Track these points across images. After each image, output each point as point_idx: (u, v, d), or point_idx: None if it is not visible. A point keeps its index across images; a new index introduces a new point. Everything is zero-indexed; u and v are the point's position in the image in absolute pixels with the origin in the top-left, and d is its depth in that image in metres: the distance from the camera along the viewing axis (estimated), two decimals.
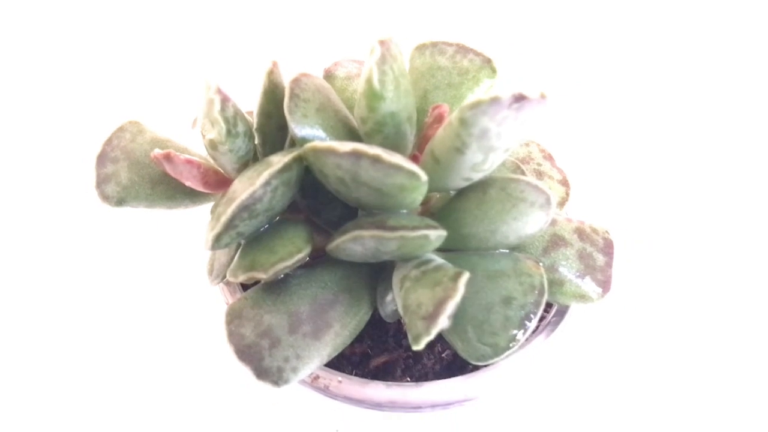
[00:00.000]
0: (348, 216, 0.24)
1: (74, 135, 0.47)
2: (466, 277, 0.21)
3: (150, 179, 0.25)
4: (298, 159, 0.22)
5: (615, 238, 0.26)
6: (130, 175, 0.25)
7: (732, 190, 0.49)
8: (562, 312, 0.26)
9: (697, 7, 0.62)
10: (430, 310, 0.20)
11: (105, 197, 0.25)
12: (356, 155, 0.20)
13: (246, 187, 0.21)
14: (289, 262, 0.22)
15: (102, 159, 0.25)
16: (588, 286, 0.25)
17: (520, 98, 0.20)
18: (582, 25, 0.60)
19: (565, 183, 0.28)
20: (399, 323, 0.26)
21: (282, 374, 0.22)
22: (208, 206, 0.26)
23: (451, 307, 0.20)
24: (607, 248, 0.26)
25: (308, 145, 0.21)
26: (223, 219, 0.21)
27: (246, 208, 0.21)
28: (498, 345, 0.22)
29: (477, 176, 0.22)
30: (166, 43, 0.54)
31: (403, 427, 0.25)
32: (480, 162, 0.22)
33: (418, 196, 0.22)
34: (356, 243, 0.22)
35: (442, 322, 0.20)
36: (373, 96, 0.22)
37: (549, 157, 0.29)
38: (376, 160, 0.20)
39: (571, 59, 0.56)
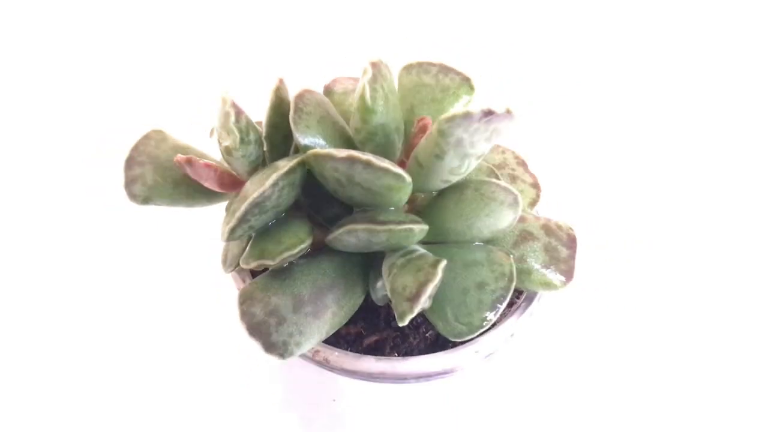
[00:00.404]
0: (343, 213, 0.28)
1: (101, 141, 0.52)
2: (443, 263, 0.24)
3: (172, 180, 0.29)
4: (302, 163, 0.26)
5: (578, 234, 0.30)
6: (154, 177, 0.29)
7: (707, 192, 0.52)
8: (530, 297, 0.30)
9: (658, 16, 0.66)
10: (414, 292, 0.24)
11: (132, 196, 0.29)
12: (351, 160, 0.24)
13: (257, 187, 0.25)
14: (294, 252, 0.26)
15: (130, 163, 0.29)
16: (552, 275, 0.29)
17: (489, 113, 0.23)
18: (552, 41, 0.64)
19: (536, 186, 0.32)
20: (388, 307, 0.30)
21: (287, 348, 0.26)
22: (221, 205, 0.30)
23: (431, 288, 0.24)
24: (571, 242, 0.30)
25: (310, 152, 0.25)
26: (237, 214, 0.25)
27: (257, 205, 0.25)
28: (473, 324, 0.26)
29: (455, 179, 0.26)
30: (181, 62, 0.58)
31: (391, 395, 0.29)
32: (457, 167, 0.25)
33: (404, 195, 0.26)
34: (351, 235, 0.25)
35: (423, 302, 0.24)
36: (365, 110, 0.26)
37: (522, 164, 0.33)
38: (367, 164, 0.24)
39: (545, 76, 0.60)
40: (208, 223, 0.44)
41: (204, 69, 0.59)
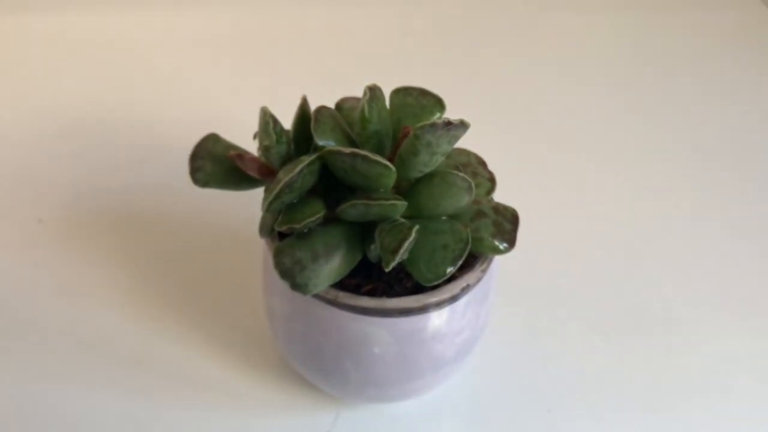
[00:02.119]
0: (347, 195, 0.39)
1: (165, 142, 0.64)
2: (417, 227, 0.35)
3: (225, 170, 0.40)
4: (319, 158, 0.37)
5: (519, 214, 0.41)
6: (212, 167, 0.40)
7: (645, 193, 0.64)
8: (483, 259, 0.40)
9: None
10: (395, 246, 0.35)
11: (196, 181, 0.39)
12: (354, 155, 0.35)
13: (287, 174, 0.36)
14: (313, 219, 0.36)
15: (194, 157, 0.40)
16: (499, 242, 0.39)
17: (448, 123, 0.34)
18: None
19: (492, 180, 0.43)
20: (380, 264, 0.41)
21: (307, 287, 0.37)
22: (258, 190, 0.41)
23: (407, 244, 0.35)
24: (514, 219, 0.40)
25: (325, 149, 0.36)
26: (274, 192, 0.36)
27: (288, 185, 0.36)
28: (439, 273, 0.36)
29: (427, 170, 0.37)
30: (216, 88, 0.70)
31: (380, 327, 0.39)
32: (428, 161, 0.36)
33: (391, 181, 0.36)
34: (353, 208, 0.36)
35: (402, 254, 0.35)
36: (364, 121, 0.37)
37: (482, 163, 0.44)
38: (365, 158, 0.35)
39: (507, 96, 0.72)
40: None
41: (239, 90, 0.71)
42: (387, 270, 0.35)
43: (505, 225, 0.40)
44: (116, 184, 0.61)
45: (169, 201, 0.59)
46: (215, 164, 0.40)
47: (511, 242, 0.40)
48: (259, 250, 0.47)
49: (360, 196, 0.36)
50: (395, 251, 0.35)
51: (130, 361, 0.50)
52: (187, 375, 0.49)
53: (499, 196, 0.43)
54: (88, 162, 0.63)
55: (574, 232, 0.60)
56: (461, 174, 0.37)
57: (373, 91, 0.37)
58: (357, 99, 0.43)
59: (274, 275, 0.38)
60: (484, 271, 0.40)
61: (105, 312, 0.52)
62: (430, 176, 0.37)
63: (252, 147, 0.42)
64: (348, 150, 0.35)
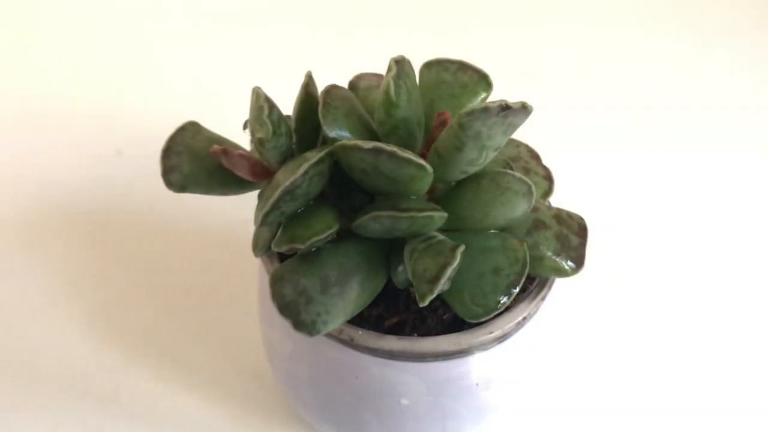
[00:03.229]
0: (365, 202, 0.30)
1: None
2: (462, 248, 0.26)
3: (207, 170, 0.31)
4: (330, 154, 0.27)
5: (588, 223, 0.32)
6: (191, 166, 0.31)
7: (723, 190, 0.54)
8: (542, 283, 0.31)
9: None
10: (434, 274, 0.26)
11: (170, 184, 0.30)
12: (377, 151, 0.26)
13: (288, 176, 0.27)
14: (322, 236, 0.27)
15: (167, 153, 0.31)
16: (563, 262, 0.30)
17: (505, 108, 0.25)
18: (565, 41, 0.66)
19: (548, 178, 0.34)
20: (408, 291, 0.32)
21: (315, 326, 0.28)
22: (248, 194, 0.32)
23: (450, 271, 0.26)
24: (581, 231, 0.31)
25: (338, 143, 0.27)
26: (271, 201, 0.27)
27: (288, 192, 0.27)
28: (488, 306, 0.28)
29: (472, 170, 0.28)
30: (203, 58, 0.61)
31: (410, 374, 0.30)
32: (474, 158, 0.27)
33: (425, 185, 0.27)
34: (375, 221, 0.27)
35: (443, 284, 0.26)
36: (389, 104, 0.28)
37: (536, 157, 0.35)
38: (392, 155, 0.26)
39: (559, 73, 0.62)
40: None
41: (227, 66, 0.61)
42: (422, 305, 0.26)
43: (571, 239, 0.31)
44: (87, 180, 0.52)
45: (149, 200, 0.50)
46: (195, 162, 0.31)
47: (579, 261, 0.31)
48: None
49: (384, 205, 0.27)
50: (434, 280, 0.26)
51: (101, 399, 0.41)
52: (168, 415, 0.40)
53: (555, 200, 0.34)
54: (53, 154, 0.54)
55: (649, 244, 0.50)
56: (518, 174, 0.28)
57: (401, 65, 0.28)
58: (378, 76, 0.34)
59: (270, 303, 0.29)
60: (543, 299, 0.31)
61: (71, 336, 0.43)
62: (476, 178, 0.28)
63: (243, 140, 0.33)
64: (369, 144, 0.26)
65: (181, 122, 0.32)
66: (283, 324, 0.29)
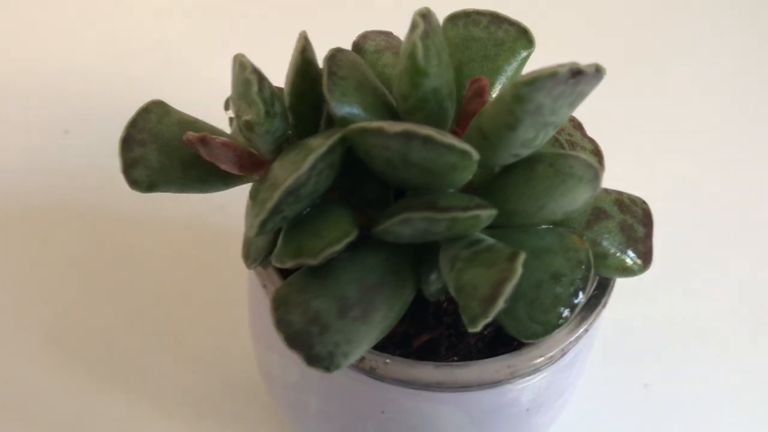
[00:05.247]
0: (384, 193, 0.24)
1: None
2: (522, 257, 0.20)
3: (181, 162, 0.24)
4: (342, 140, 0.21)
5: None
6: (159, 159, 0.24)
7: None
8: (603, 285, 0.26)
9: None
10: (488, 292, 0.20)
11: (134, 182, 0.24)
12: (407, 135, 0.20)
13: (289, 171, 0.21)
14: (338, 247, 0.21)
15: (128, 143, 0.24)
16: (630, 258, 0.25)
17: (577, 73, 0.19)
18: None
19: (597, 153, 0.28)
20: (438, 301, 0.26)
21: (333, 359, 0.22)
22: (235, 189, 0.26)
23: (509, 288, 0.20)
24: (646, 219, 0.26)
25: (354, 126, 0.21)
26: (269, 205, 0.21)
27: (291, 192, 0.21)
28: (549, 322, 0.22)
29: (526, 152, 0.22)
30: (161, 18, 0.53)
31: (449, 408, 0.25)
32: (531, 138, 0.21)
33: (468, 174, 0.21)
34: (406, 225, 0.21)
35: (500, 304, 0.20)
36: (417, 72, 0.21)
37: (578, 127, 0.29)
38: (428, 139, 0.20)
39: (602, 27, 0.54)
40: None
41: (195, 27, 0.52)
42: (473, 330, 0.20)
43: (637, 229, 0.25)
44: (29, 165, 0.45)
45: (106, 188, 0.43)
46: (164, 153, 0.25)
47: (647, 256, 0.25)
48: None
49: (417, 204, 0.21)
50: (489, 300, 0.20)
51: (63, 428, 0.35)
52: None
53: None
54: None
55: (708, 232, 0.44)
56: (582, 156, 0.22)
57: (428, 21, 0.22)
58: (386, 34, 0.28)
59: (269, 319, 0.23)
60: (605, 306, 0.26)
61: (20, 357, 0.37)
62: (528, 162, 0.22)
63: (220, 121, 0.27)
64: (397, 127, 0.20)
65: (142, 100, 0.26)
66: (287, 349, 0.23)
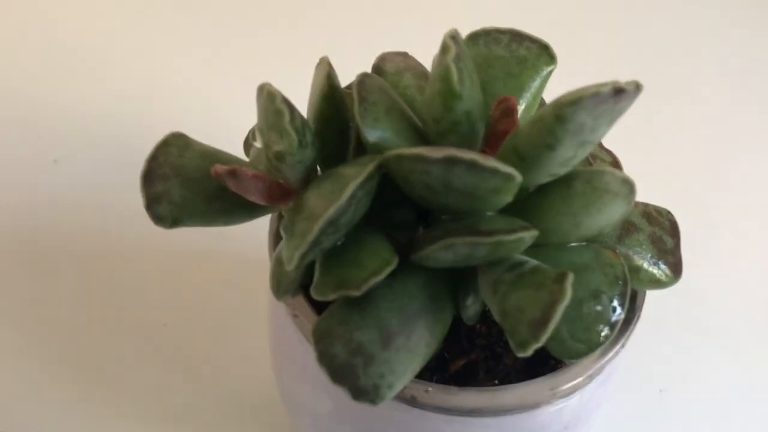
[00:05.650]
0: (414, 216, 0.24)
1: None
2: (571, 278, 0.20)
3: (205, 195, 0.24)
4: (380, 166, 0.21)
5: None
6: (182, 193, 0.24)
7: None
8: (632, 297, 0.26)
9: None
10: (538, 315, 0.20)
11: (158, 218, 0.23)
12: (450, 162, 0.19)
13: (329, 201, 0.20)
14: (380, 277, 0.21)
15: (150, 177, 0.24)
16: (661, 270, 0.25)
17: (619, 91, 0.19)
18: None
19: (617, 165, 0.28)
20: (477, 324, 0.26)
21: (378, 392, 0.21)
22: (257, 220, 0.25)
23: (560, 311, 0.20)
24: (674, 230, 0.26)
25: (391, 153, 0.20)
26: (309, 237, 0.20)
27: (332, 223, 0.20)
28: (592, 340, 0.22)
29: (563, 171, 0.22)
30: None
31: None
32: (570, 157, 0.21)
33: (509, 197, 0.21)
34: (448, 251, 0.21)
35: (552, 327, 0.20)
36: (451, 96, 0.21)
37: None
38: (472, 165, 0.19)
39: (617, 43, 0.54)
40: None
41: (210, 59, 0.50)
42: (523, 355, 0.20)
43: (666, 240, 0.25)
44: (19, 195, 0.43)
45: (99, 216, 0.42)
46: (186, 187, 0.24)
47: (677, 268, 0.25)
48: (260, 284, 0.31)
49: (458, 229, 0.21)
50: (540, 324, 0.20)
51: None
52: None
53: None
54: None
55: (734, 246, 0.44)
56: (617, 172, 0.22)
57: (458, 43, 0.21)
58: (403, 56, 0.27)
59: (299, 350, 0.22)
60: (639, 319, 0.26)
61: (18, 396, 0.36)
62: (565, 180, 0.22)
63: (236, 149, 0.26)
64: (438, 153, 0.19)
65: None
66: (319, 377, 0.22)
